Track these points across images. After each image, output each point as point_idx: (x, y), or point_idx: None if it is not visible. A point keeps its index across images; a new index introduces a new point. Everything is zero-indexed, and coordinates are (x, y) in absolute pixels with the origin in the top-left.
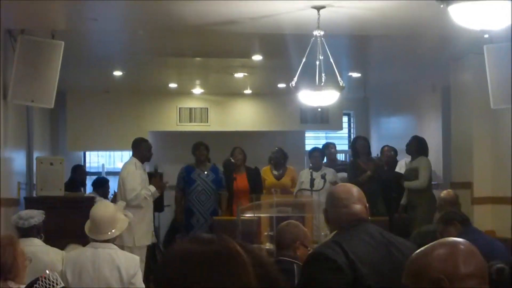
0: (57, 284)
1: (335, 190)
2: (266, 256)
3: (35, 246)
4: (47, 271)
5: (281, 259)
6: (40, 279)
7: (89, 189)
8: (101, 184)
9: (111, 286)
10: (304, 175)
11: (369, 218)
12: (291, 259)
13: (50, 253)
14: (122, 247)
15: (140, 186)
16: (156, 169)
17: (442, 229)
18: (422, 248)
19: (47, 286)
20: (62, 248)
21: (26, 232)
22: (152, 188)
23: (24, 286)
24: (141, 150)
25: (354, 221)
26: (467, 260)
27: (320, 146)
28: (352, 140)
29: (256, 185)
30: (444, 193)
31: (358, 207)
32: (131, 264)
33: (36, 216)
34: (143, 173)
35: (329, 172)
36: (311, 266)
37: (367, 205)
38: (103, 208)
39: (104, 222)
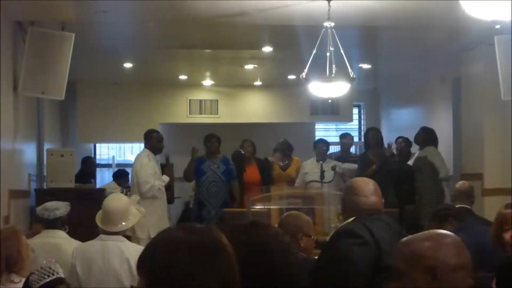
0: (52, 274)
1: (354, 180)
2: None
3: (59, 238)
4: (45, 261)
5: None
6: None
7: (106, 180)
8: (122, 175)
9: (121, 278)
10: (308, 166)
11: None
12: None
13: (73, 245)
14: (134, 239)
15: (153, 178)
16: (167, 159)
17: (437, 227)
18: (416, 235)
19: (42, 275)
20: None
21: (51, 223)
22: (166, 178)
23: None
24: (152, 141)
25: (371, 210)
26: (458, 252)
27: (329, 138)
28: (365, 131)
29: (267, 176)
30: (459, 184)
31: (375, 198)
32: None
33: (62, 207)
34: (156, 164)
35: (339, 165)
36: (339, 240)
37: (383, 200)
38: (116, 199)
39: (117, 213)
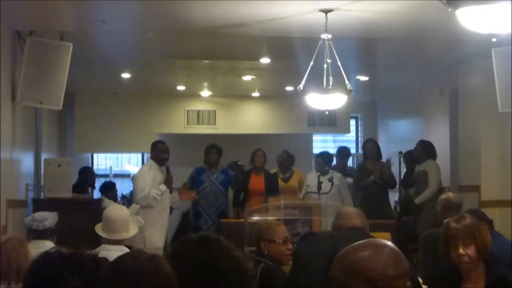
0: None
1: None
2: (237, 250)
3: (47, 248)
4: None
5: (256, 258)
6: None
7: (96, 193)
8: (109, 188)
9: None
10: (311, 178)
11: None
12: (262, 259)
13: None
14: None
15: (150, 187)
16: (167, 170)
17: None
18: (354, 246)
19: None
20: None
21: (40, 234)
22: (163, 187)
23: None
24: (157, 152)
25: (351, 227)
26: (396, 261)
27: (327, 149)
28: (363, 142)
29: (271, 188)
30: (449, 196)
31: (357, 219)
32: None
33: (50, 218)
34: (158, 175)
35: (337, 176)
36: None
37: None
38: (117, 209)
39: (119, 222)
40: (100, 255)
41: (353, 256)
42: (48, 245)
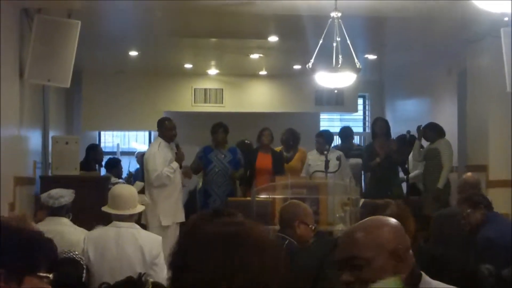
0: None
1: None
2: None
3: (63, 225)
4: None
5: (280, 235)
6: None
7: (103, 171)
8: (114, 164)
9: (134, 265)
10: (311, 158)
11: None
12: (288, 237)
13: (77, 232)
14: (146, 227)
15: (162, 166)
16: (177, 147)
17: (469, 213)
18: (364, 224)
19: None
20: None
21: (56, 211)
22: (175, 165)
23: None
24: (164, 129)
25: None
26: (404, 233)
27: (333, 128)
28: (372, 121)
29: (278, 167)
30: (467, 176)
31: None
32: (154, 244)
33: (67, 195)
34: (168, 152)
35: (336, 154)
36: None
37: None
38: (124, 186)
39: (126, 198)
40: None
41: (374, 233)
42: (64, 221)
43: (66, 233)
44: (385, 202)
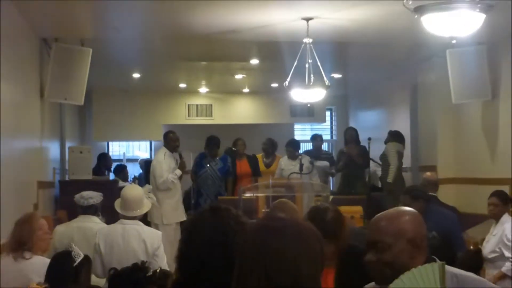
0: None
1: None
2: (244, 217)
3: (92, 223)
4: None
5: None
6: None
7: (112, 175)
8: (120, 170)
9: (138, 256)
10: (283, 163)
11: None
12: None
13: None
14: (150, 224)
15: (167, 173)
16: (180, 156)
17: (409, 205)
18: (392, 213)
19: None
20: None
21: (86, 210)
22: (178, 172)
23: (41, 254)
24: (168, 140)
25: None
26: (422, 223)
27: (305, 137)
28: (345, 130)
29: (256, 170)
30: (427, 175)
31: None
32: (155, 238)
33: (95, 197)
34: (172, 161)
35: (307, 159)
36: None
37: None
38: (133, 189)
39: (134, 201)
40: (117, 228)
41: (396, 221)
42: (93, 219)
43: (93, 229)
44: (324, 207)
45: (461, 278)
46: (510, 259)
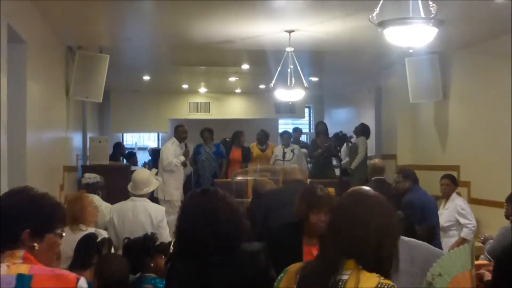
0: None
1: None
2: (231, 198)
3: (96, 201)
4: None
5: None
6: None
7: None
8: (131, 156)
9: (145, 228)
10: (278, 150)
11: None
12: None
13: (103, 205)
14: (156, 199)
15: (172, 157)
16: (186, 145)
17: (400, 181)
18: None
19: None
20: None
21: (89, 189)
22: (182, 158)
23: (91, 227)
24: (178, 132)
25: (294, 179)
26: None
27: (290, 130)
28: (315, 124)
29: (246, 157)
30: (375, 161)
31: (299, 174)
32: (159, 212)
33: (93, 178)
34: (178, 149)
35: (296, 148)
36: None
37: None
38: (142, 172)
39: (142, 182)
40: (128, 204)
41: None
42: (95, 198)
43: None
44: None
45: (411, 244)
46: (467, 225)
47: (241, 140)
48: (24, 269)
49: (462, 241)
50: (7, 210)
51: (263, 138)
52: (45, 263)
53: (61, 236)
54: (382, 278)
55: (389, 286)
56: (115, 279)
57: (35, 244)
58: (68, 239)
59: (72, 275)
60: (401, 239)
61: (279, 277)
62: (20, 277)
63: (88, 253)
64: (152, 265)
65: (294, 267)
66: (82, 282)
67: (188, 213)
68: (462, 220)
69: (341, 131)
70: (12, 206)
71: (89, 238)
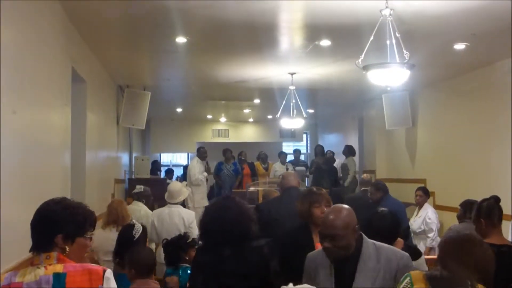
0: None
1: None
2: (245, 203)
3: (138, 206)
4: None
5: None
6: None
7: (162, 175)
8: (169, 172)
9: (179, 229)
10: (276, 167)
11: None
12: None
13: (142, 210)
14: (186, 206)
15: (198, 174)
16: (207, 162)
17: (373, 192)
18: (335, 211)
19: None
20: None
21: (136, 198)
22: (205, 174)
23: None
24: (200, 153)
25: (289, 186)
26: (354, 214)
27: (291, 151)
28: (315, 147)
29: (253, 172)
30: (365, 176)
31: (293, 180)
32: (190, 216)
33: (138, 189)
34: (201, 166)
35: (290, 164)
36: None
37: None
38: (175, 184)
39: (176, 192)
40: (165, 210)
41: (342, 217)
42: (139, 204)
43: (137, 210)
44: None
45: (378, 245)
46: (428, 234)
47: (243, 157)
48: (59, 268)
49: (429, 250)
50: (44, 217)
51: (265, 158)
52: (76, 261)
53: (90, 239)
54: None
55: None
56: (145, 263)
57: (67, 247)
58: (110, 237)
59: (100, 267)
60: (371, 242)
61: (405, 282)
62: (56, 276)
63: (127, 242)
64: (187, 258)
65: (420, 274)
66: (108, 273)
67: (210, 213)
68: (426, 230)
69: (332, 151)
70: (47, 214)
71: (130, 228)
